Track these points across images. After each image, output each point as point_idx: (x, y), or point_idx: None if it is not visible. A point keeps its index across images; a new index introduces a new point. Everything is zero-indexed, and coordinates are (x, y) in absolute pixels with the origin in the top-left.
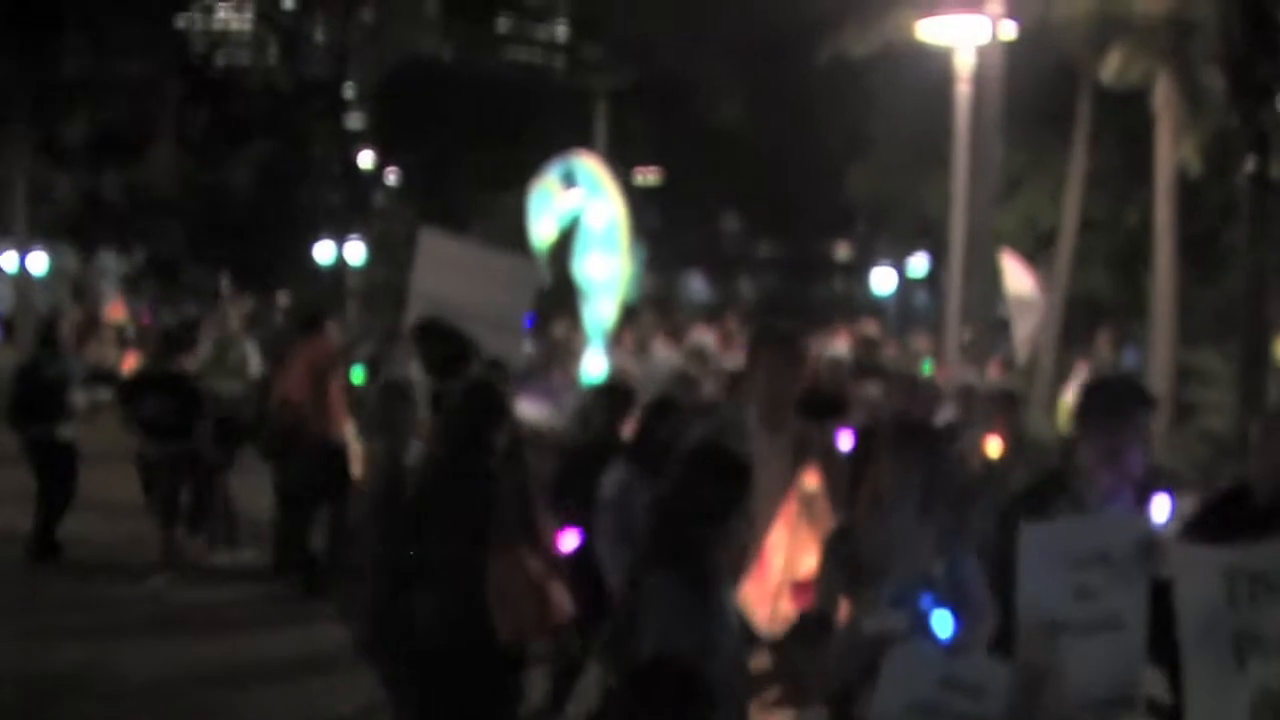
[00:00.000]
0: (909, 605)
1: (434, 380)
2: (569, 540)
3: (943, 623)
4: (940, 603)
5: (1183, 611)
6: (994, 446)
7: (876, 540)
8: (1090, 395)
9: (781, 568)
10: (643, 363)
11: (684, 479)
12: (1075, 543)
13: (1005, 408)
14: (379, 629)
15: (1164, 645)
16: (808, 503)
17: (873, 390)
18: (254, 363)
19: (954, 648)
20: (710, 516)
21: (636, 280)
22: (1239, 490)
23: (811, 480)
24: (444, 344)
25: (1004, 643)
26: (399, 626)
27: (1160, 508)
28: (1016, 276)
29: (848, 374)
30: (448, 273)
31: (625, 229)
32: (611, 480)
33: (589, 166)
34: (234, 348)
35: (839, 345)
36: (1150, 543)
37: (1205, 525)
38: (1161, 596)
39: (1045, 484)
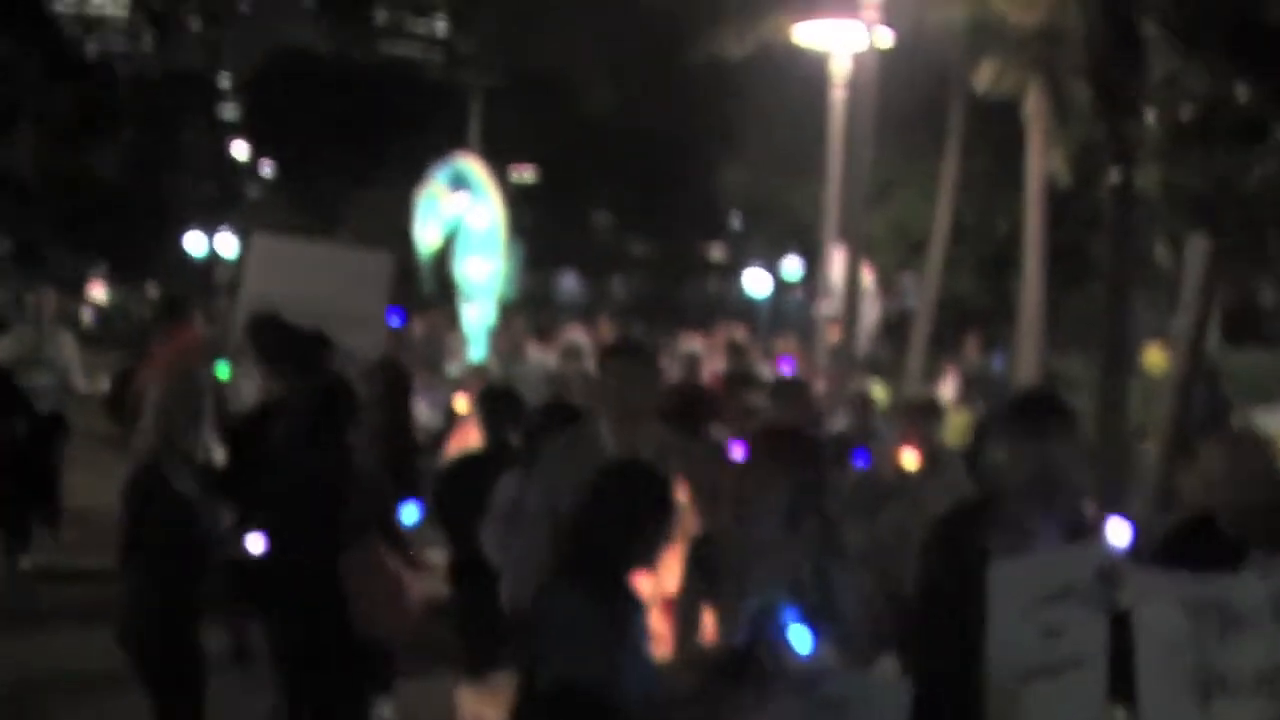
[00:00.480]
0: (769, 618)
1: (271, 376)
2: None
3: (800, 638)
4: (800, 617)
5: (1142, 644)
6: (910, 459)
7: (740, 549)
8: (1016, 411)
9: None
10: (515, 364)
11: (598, 493)
12: (1044, 578)
13: (925, 418)
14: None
15: (1124, 680)
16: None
17: (756, 398)
18: (68, 354)
19: (814, 663)
20: (626, 532)
21: (513, 279)
22: (1202, 520)
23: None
24: (281, 337)
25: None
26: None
27: (1119, 532)
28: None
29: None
30: (288, 272)
31: (504, 230)
32: (504, 489)
33: (474, 169)
34: (48, 340)
35: (697, 345)
36: (1112, 572)
37: (1170, 557)
38: (1122, 627)
39: (972, 509)
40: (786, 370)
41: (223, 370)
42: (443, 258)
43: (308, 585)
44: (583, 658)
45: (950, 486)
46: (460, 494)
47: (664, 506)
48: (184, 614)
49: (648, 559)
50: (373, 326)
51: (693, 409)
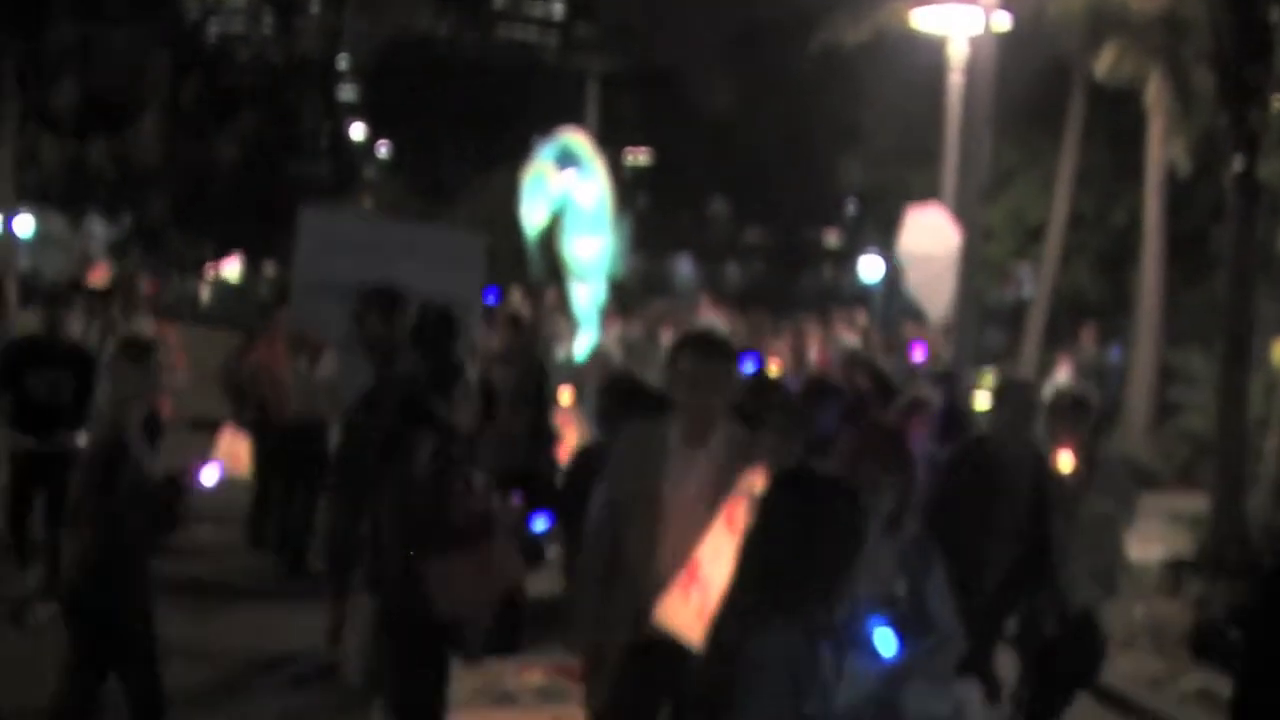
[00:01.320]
0: (858, 623)
1: (379, 361)
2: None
3: (885, 642)
4: (887, 621)
5: None
6: (1065, 461)
7: None
8: None
9: (723, 579)
10: (651, 350)
11: (772, 512)
12: None
13: (1076, 416)
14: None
15: None
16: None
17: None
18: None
19: (901, 670)
20: (806, 560)
21: (622, 258)
22: None
23: (759, 482)
24: (422, 320)
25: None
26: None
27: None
28: (930, 231)
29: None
30: (360, 255)
31: (611, 207)
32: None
33: (581, 144)
34: (128, 325)
35: (848, 336)
36: None
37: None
38: None
39: None
40: (919, 356)
41: None
42: (550, 237)
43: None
44: (792, 700)
45: (1111, 492)
46: (576, 489)
47: (841, 525)
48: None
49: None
50: (471, 310)
51: (761, 400)
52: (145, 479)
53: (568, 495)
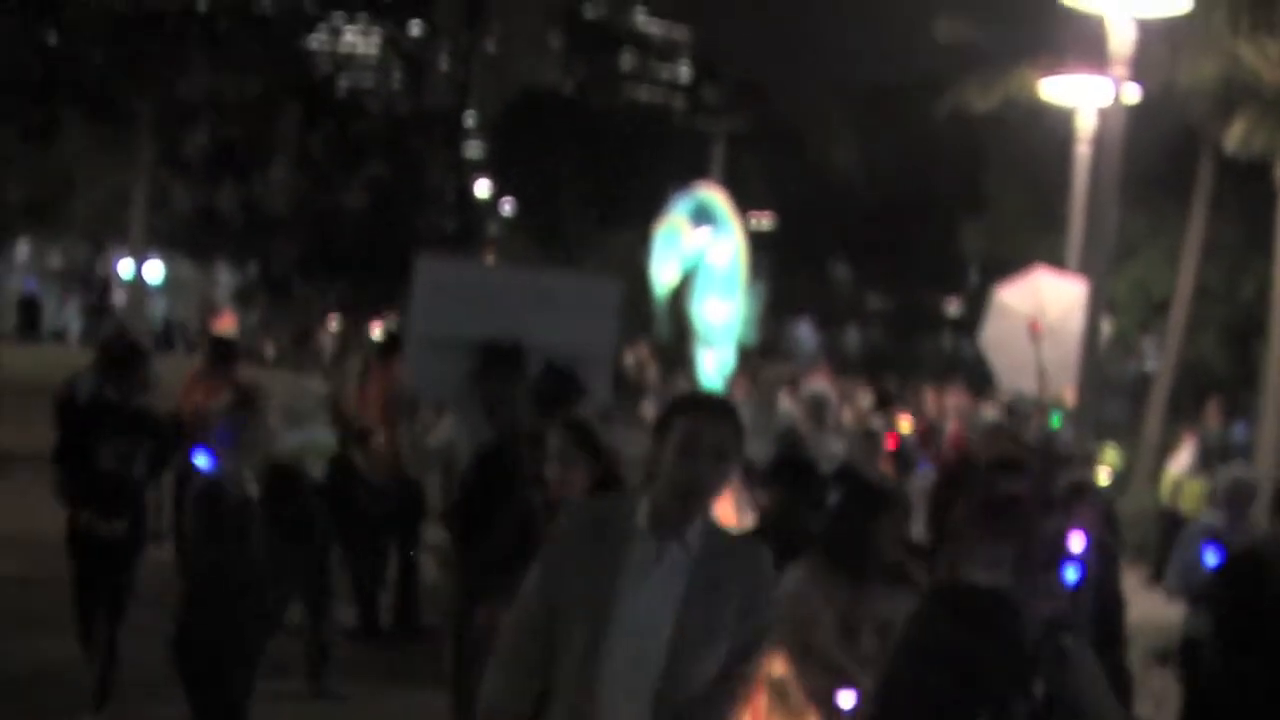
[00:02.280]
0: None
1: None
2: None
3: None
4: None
5: None
6: None
7: None
8: None
9: None
10: (765, 415)
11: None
12: None
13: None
14: None
15: None
16: (779, 692)
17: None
18: None
19: None
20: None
21: (753, 323)
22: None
23: (778, 666)
24: (544, 375)
25: None
26: None
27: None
28: (1041, 295)
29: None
30: (481, 306)
31: (745, 269)
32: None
33: (718, 201)
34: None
35: (987, 410)
36: None
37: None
38: None
39: None
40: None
41: None
42: (679, 297)
43: None
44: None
45: None
46: None
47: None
48: None
49: None
50: (602, 362)
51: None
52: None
53: None
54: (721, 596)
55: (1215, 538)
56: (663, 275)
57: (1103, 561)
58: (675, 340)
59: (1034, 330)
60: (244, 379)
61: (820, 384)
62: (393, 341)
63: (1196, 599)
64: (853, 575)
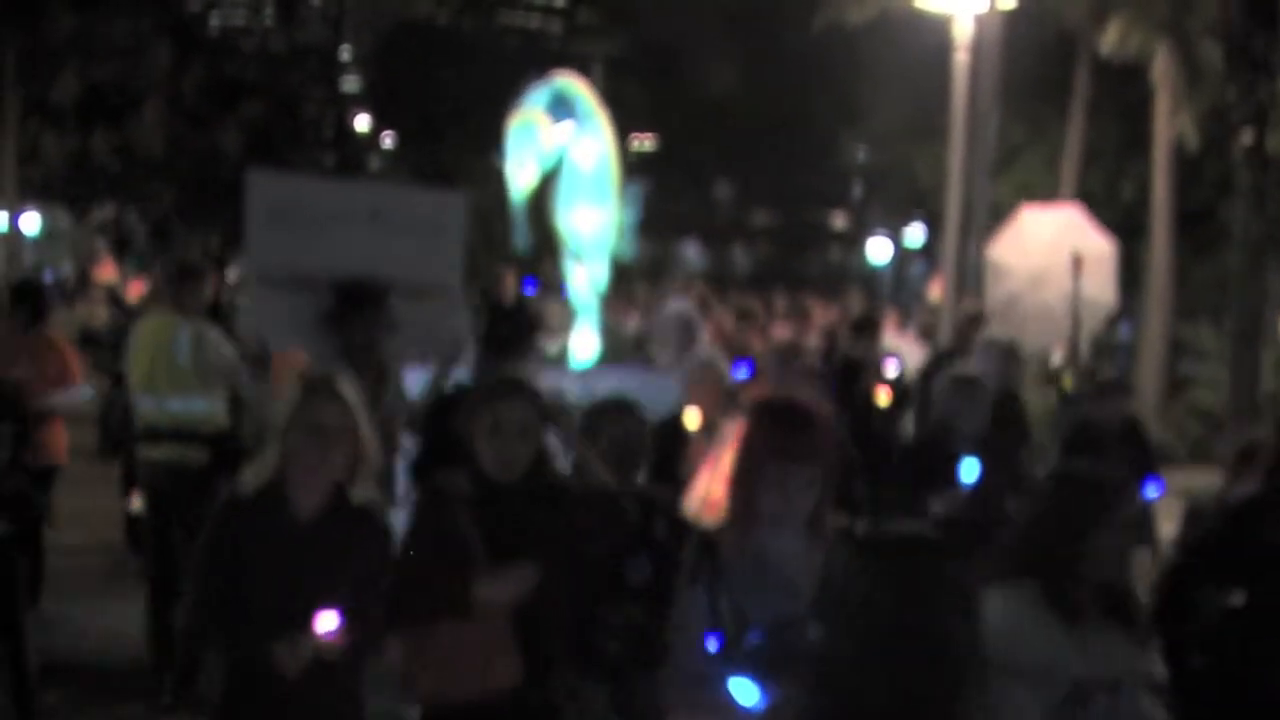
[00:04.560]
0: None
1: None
2: None
3: (744, 691)
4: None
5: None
6: None
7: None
8: None
9: None
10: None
11: None
12: None
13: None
14: None
15: None
16: None
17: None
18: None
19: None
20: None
21: (631, 235)
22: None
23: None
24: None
25: None
26: None
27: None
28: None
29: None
30: (322, 229)
31: (617, 170)
32: None
33: (578, 89)
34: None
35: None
36: None
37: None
38: None
39: None
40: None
41: None
42: (540, 203)
43: None
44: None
45: None
46: None
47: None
48: None
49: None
50: (454, 298)
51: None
52: None
53: None
54: None
55: None
56: (519, 178)
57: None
58: (536, 253)
59: (1078, 266)
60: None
61: (682, 304)
62: None
63: None
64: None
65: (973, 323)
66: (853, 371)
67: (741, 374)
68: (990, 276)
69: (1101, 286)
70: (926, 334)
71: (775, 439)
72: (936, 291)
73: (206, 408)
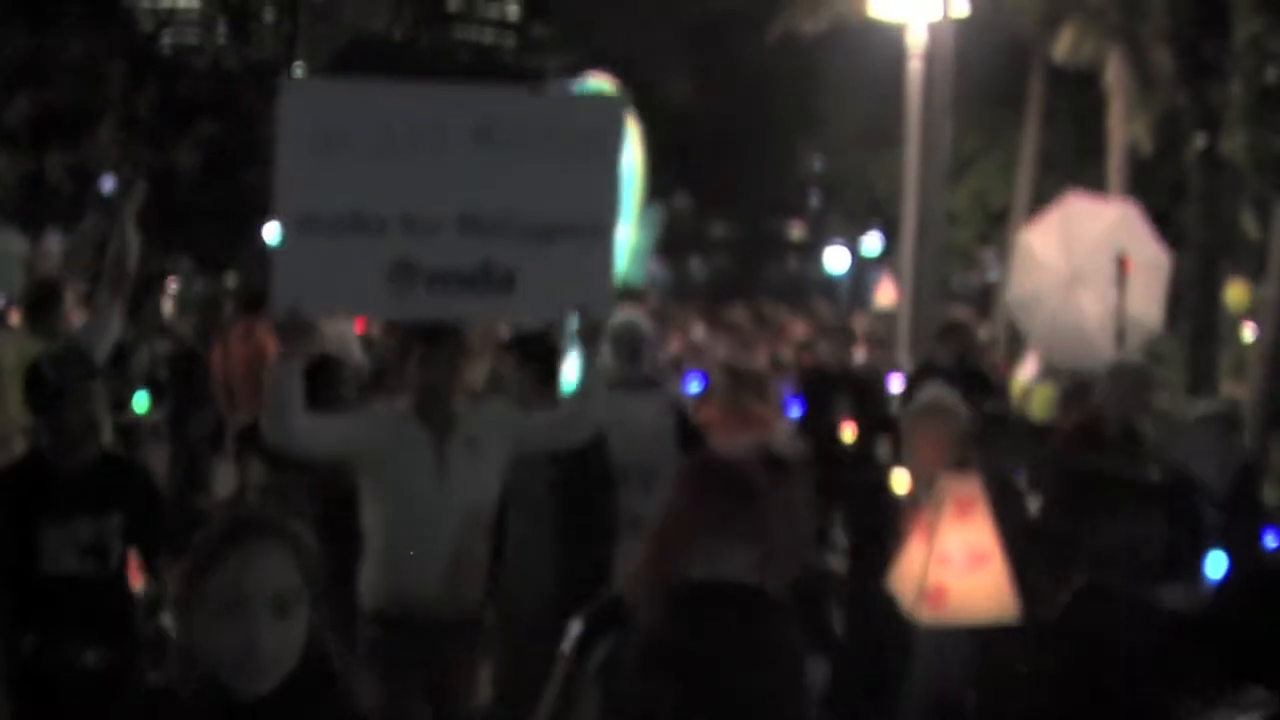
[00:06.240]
0: None
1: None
2: None
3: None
4: None
5: None
6: None
7: None
8: None
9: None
10: None
11: None
12: None
13: None
14: None
15: None
16: None
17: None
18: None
19: None
20: None
21: (642, 260)
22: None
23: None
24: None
25: None
26: None
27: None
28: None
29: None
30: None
31: (642, 188)
32: None
33: (613, 91)
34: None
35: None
36: None
37: None
38: None
39: None
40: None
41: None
42: None
43: None
44: None
45: None
46: None
47: None
48: None
49: None
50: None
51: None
52: None
53: None
54: None
55: None
56: None
57: None
58: None
59: (1124, 268)
60: None
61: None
62: (255, 297)
63: None
64: None
65: (954, 332)
66: (858, 387)
67: (694, 387)
68: (1019, 263)
69: (1147, 302)
70: (874, 342)
71: (711, 509)
72: (886, 297)
73: None
